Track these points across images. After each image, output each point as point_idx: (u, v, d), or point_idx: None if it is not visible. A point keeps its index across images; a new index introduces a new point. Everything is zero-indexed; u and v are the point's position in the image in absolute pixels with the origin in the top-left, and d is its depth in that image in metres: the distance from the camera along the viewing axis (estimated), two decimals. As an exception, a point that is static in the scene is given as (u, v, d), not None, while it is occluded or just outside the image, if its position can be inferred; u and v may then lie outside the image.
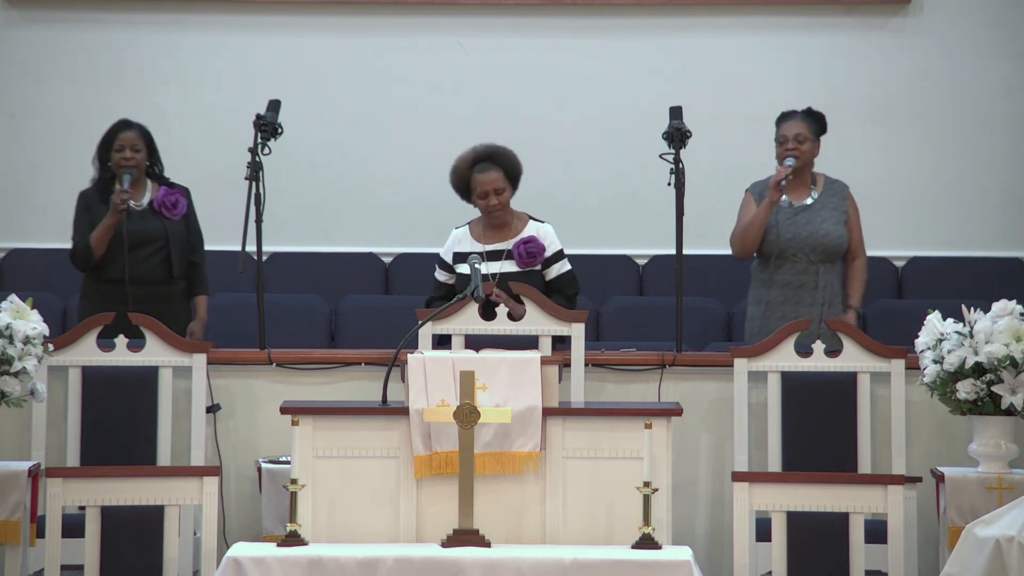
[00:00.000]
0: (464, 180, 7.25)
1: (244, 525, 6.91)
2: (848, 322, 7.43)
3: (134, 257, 7.59)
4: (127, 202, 7.54)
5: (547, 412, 5.94)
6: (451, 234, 7.36)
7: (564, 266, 7.28)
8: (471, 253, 7.09)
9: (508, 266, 7.20)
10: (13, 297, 6.55)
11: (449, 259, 7.30)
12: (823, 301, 7.59)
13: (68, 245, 7.74)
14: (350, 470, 5.94)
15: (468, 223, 7.36)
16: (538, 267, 7.25)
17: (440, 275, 7.32)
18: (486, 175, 7.21)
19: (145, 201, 7.71)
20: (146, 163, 7.72)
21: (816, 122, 7.70)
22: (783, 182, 7.54)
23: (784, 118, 7.72)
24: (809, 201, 7.69)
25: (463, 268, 7.16)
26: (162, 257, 7.65)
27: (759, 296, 7.69)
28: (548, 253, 7.25)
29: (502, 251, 7.24)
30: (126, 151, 7.65)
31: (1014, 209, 9.36)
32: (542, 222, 7.33)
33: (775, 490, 6.23)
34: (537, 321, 6.97)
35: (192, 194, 7.80)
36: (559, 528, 5.92)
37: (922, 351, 6.55)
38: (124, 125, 7.71)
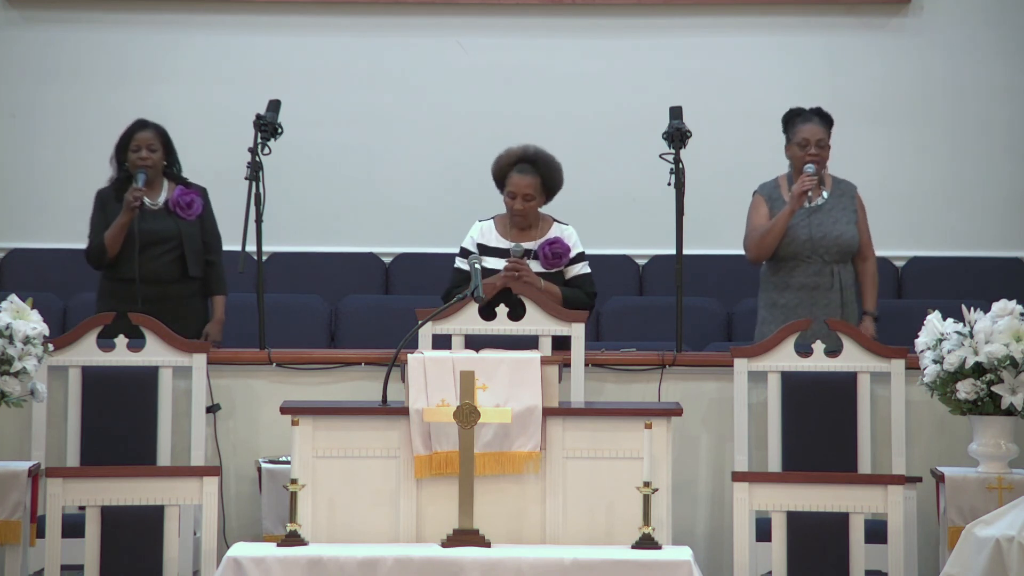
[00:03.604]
0: (503, 173, 7.28)
1: (244, 525, 6.91)
2: (868, 331, 7.42)
3: (147, 256, 7.58)
4: (139, 199, 7.54)
5: (547, 412, 5.94)
6: (475, 225, 7.37)
7: (584, 268, 7.31)
8: (496, 248, 7.12)
9: (534, 266, 7.21)
10: (13, 297, 6.55)
11: (472, 249, 7.28)
12: (842, 302, 7.56)
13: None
14: (350, 470, 5.94)
15: (493, 217, 7.37)
16: (561, 268, 7.26)
17: (462, 263, 7.30)
18: (522, 177, 7.23)
19: (161, 200, 7.71)
20: (163, 163, 7.72)
21: (829, 124, 7.67)
22: (810, 192, 7.48)
23: (799, 119, 7.64)
24: (820, 202, 7.66)
25: (488, 261, 7.14)
26: (175, 256, 7.65)
27: (772, 300, 7.63)
28: (572, 255, 7.27)
29: (529, 251, 7.25)
30: (142, 151, 7.65)
31: (1014, 209, 9.36)
32: (565, 224, 7.34)
33: (775, 490, 6.23)
34: (537, 321, 6.97)
35: (206, 193, 7.79)
36: (559, 528, 5.92)
37: (922, 351, 6.55)
38: (141, 125, 7.72)
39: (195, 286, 7.70)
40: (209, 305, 7.75)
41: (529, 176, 7.23)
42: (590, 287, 7.29)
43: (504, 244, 7.23)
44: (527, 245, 7.26)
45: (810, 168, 7.50)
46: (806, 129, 7.60)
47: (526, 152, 7.29)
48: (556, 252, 7.25)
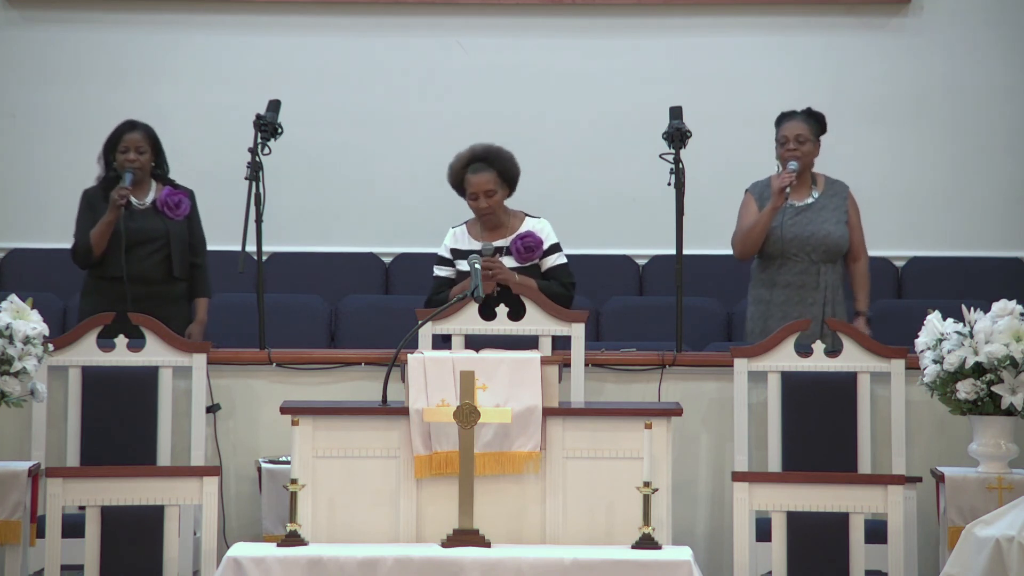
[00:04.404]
0: (459, 179, 7.28)
1: (244, 525, 6.91)
2: (859, 329, 7.43)
3: (134, 255, 7.59)
4: (125, 198, 7.55)
5: (547, 412, 5.94)
6: (448, 232, 7.37)
7: (560, 258, 7.29)
8: (470, 251, 7.11)
9: (507, 262, 7.21)
10: (13, 297, 6.55)
11: (447, 255, 7.30)
12: (825, 301, 7.58)
13: (68, 244, 7.74)
14: (350, 470, 5.94)
15: (465, 222, 7.37)
16: (536, 261, 7.26)
17: (440, 271, 7.32)
18: (478, 176, 7.23)
19: (148, 200, 7.71)
20: (151, 164, 7.73)
21: (816, 122, 7.69)
22: (787, 188, 7.52)
23: (784, 118, 7.71)
24: (810, 201, 7.69)
25: (462, 264, 7.17)
26: (162, 256, 7.66)
27: (760, 296, 7.68)
28: (545, 246, 7.26)
29: (501, 247, 7.25)
30: (130, 152, 7.66)
31: (1014, 209, 9.36)
32: (537, 218, 7.34)
33: (775, 490, 6.23)
34: (537, 321, 6.97)
35: (193, 195, 7.80)
36: (559, 528, 5.92)
37: (922, 351, 6.55)
38: (129, 126, 7.72)
39: (181, 288, 7.71)
40: (193, 308, 7.76)
41: (485, 173, 7.24)
42: (567, 277, 7.28)
43: (477, 246, 7.22)
44: (500, 242, 7.26)
45: (792, 165, 7.55)
46: (786, 127, 7.67)
47: (474, 152, 7.30)
48: (528, 246, 7.24)
